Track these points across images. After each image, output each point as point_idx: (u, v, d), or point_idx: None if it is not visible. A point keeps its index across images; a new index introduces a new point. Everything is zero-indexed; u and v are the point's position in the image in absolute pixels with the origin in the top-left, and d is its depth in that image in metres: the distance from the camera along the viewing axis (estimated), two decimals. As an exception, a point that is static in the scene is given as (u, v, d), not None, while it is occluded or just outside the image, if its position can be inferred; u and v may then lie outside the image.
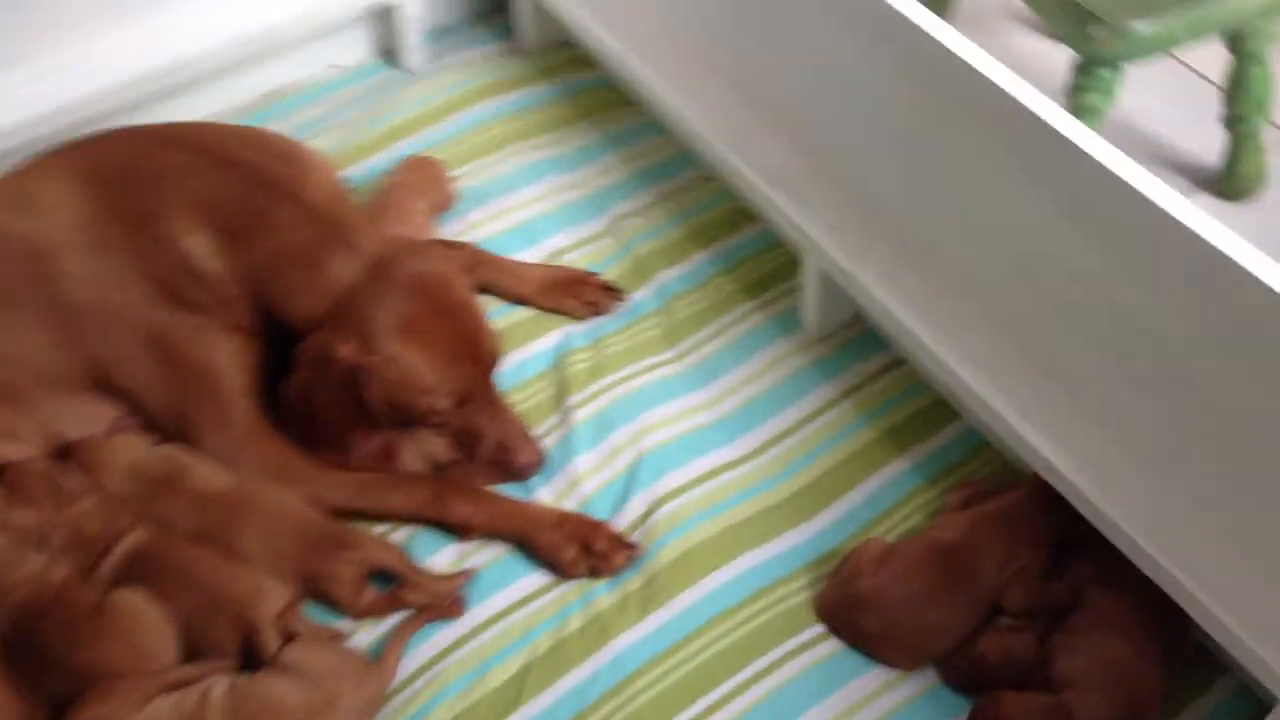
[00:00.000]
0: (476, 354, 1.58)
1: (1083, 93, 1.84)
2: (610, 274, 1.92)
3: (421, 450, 1.64)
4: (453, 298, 1.58)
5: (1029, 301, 1.49)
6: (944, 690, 1.50)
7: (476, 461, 1.65)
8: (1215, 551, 1.37)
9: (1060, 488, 1.48)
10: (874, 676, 1.51)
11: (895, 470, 1.70)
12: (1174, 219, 1.22)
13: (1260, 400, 1.24)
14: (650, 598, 1.56)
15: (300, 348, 1.54)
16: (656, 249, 1.96)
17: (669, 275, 1.92)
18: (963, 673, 1.50)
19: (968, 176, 1.49)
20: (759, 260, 1.94)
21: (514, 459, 1.65)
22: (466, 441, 1.63)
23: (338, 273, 1.53)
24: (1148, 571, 1.41)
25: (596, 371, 1.80)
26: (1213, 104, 2.07)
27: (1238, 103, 2.02)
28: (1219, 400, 1.29)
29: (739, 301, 1.89)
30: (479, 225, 1.96)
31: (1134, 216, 1.27)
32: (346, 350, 1.50)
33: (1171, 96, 2.27)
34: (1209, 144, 2.12)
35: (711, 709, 1.47)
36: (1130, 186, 1.25)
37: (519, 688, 1.49)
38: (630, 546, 1.60)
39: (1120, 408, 1.43)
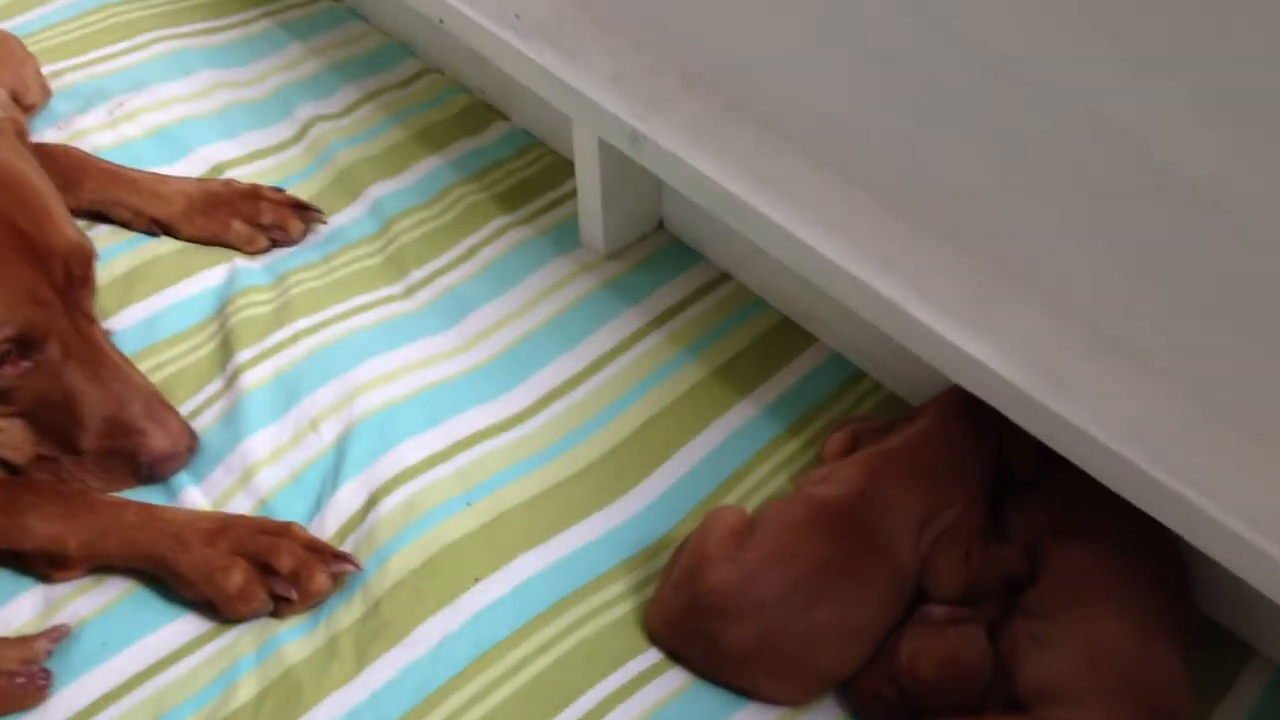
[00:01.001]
0: (44, 260, 0.95)
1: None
2: (301, 192, 1.32)
3: (-25, 438, 0.99)
4: (3, 173, 0.95)
5: (917, 133, 0.99)
6: (858, 731, 0.95)
7: (80, 453, 1.01)
8: (1230, 447, 0.88)
9: (990, 395, 0.96)
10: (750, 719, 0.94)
11: (738, 418, 1.15)
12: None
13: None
14: (374, 637, 0.95)
15: None
16: (368, 157, 1.38)
17: (387, 189, 1.34)
18: (885, 700, 0.94)
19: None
20: (513, 165, 1.39)
21: (141, 444, 1.02)
22: (54, 419, 0.99)
23: None
24: (1133, 496, 0.90)
25: (281, 317, 1.19)
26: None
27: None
28: (1235, 224, 0.81)
29: (490, 216, 1.32)
30: (94, 132, 1.33)
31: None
32: None
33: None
34: None
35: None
36: None
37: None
38: (340, 559, 0.98)
39: (1070, 263, 0.94)
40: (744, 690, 0.95)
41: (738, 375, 1.19)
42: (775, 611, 0.93)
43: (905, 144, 1.00)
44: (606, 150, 1.21)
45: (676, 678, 0.95)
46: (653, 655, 0.97)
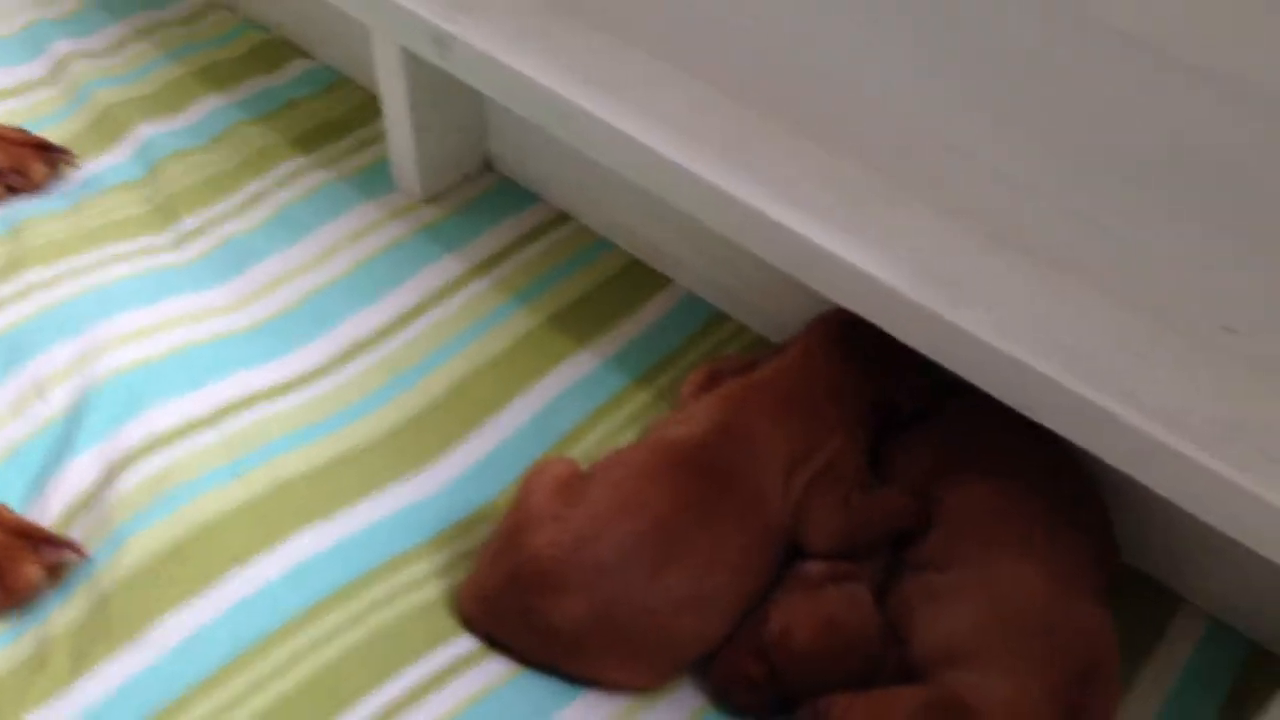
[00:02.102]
0: None
1: None
2: (54, 135, 1.11)
3: None
4: None
5: (789, 23, 0.83)
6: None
7: None
8: (1152, 344, 0.73)
9: (871, 309, 0.80)
10: (586, 712, 0.74)
11: (576, 370, 0.97)
12: None
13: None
14: (97, 639, 0.73)
15: None
16: (136, 96, 1.17)
17: (158, 130, 1.14)
18: (751, 679, 0.76)
19: None
20: (314, 104, 1.19)
21: None
22: None
23: None
24: (1045, 415, 0.74)
25: (8, 268, 0.97)
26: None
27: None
28: (1150, 80, 0.66)
29: (282, 159, 1.13)
30: None
31: None
32: None
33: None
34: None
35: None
36: None
37: None
38: (56, 545, 0.77)
39: (955, 149, 0.78)
40: (580, 676, 0.75)
41: (576, 323, 1.01)
42: (614, 578, 0.74)
43: (754, 26, 0.84)
44: (414, 66, 1.03)
45: (496, 668, 0.76)
46: (466, 643, 0.77)
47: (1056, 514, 0.80)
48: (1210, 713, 0.79)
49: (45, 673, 0.71)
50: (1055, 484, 0.81)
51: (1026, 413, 0.74)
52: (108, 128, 1.13)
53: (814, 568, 0.79)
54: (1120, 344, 0.73)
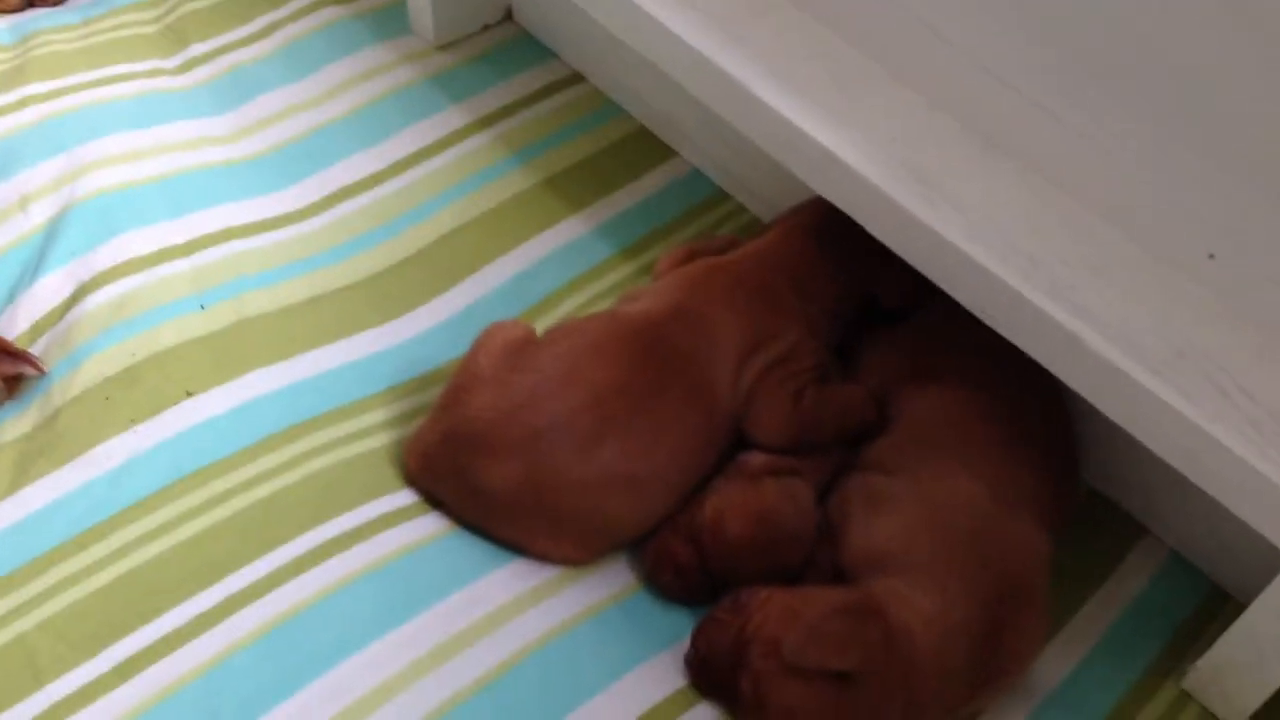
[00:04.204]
0: None
1: None
2: (76, -52, 1.10)
3: None
4: None
5: None
6: (649, 601, 0.76)
7: None
8: (1128, 267, 0.69)
9: (844, 198, 0.76)
10: (511, 579, 0.75)
11: (564, 234, 0.95)
12: None
13: None
14: (43, 452, 0.75)
15: None
16: (155, -87, 1.15)
17: (180, -48, 1.12)
18: (680, 563, 0.76)
19: None
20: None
21: None
22: None
23: None
24: (1006, 326, 0.71)
25: (11, 79, 0.98)
26: None
27: None
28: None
29: (296, -9, 1.11)
30: None
31: None
32: None
33: None
34: None
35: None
36: None
37: None
38: (17, 358, 0.78)
39: (948, 40, 0.74)
40: (510, 542, 0.76)
41: (573, 187, 0.99)
42: (550, 446, 0.73)
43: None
44: (435, -93, 1.00)
45: (429, 523, 0.77)
46: (404, 497, 0.78)
47: (1015, 431, 0.77)
48: (1154, 645, 0.77)
49: (-15, 479, 0.74)
50: (1021, 401, 0.78)
51: (990, 323, 0.72)
52: (130, -55, 1.12)
53: (755, 459, 0.78)
54: (1092, 263, 0.70)
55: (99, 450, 0.75)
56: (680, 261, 0.88)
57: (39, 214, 0.88)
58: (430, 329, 0.88)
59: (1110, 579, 0.80)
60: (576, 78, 1.08)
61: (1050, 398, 0.79)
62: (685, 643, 0.72)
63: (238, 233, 0.90)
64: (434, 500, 0.78)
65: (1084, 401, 0.69)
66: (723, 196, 1.00)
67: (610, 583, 0.76)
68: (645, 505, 0.76)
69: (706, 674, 0.71)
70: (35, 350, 0.80)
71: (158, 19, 1.06)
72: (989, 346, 0.76)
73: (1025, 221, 0.71)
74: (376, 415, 0.82)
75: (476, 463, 0.74)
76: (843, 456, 0.80)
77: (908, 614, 0.69)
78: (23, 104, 0.95)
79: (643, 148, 1.03)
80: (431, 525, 0.77)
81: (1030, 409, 0.79)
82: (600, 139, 1.03)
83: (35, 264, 0.85)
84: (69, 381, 0.78)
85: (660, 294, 0.80)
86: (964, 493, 0.74)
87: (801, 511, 0.76)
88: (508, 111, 1.04)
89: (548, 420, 0.74)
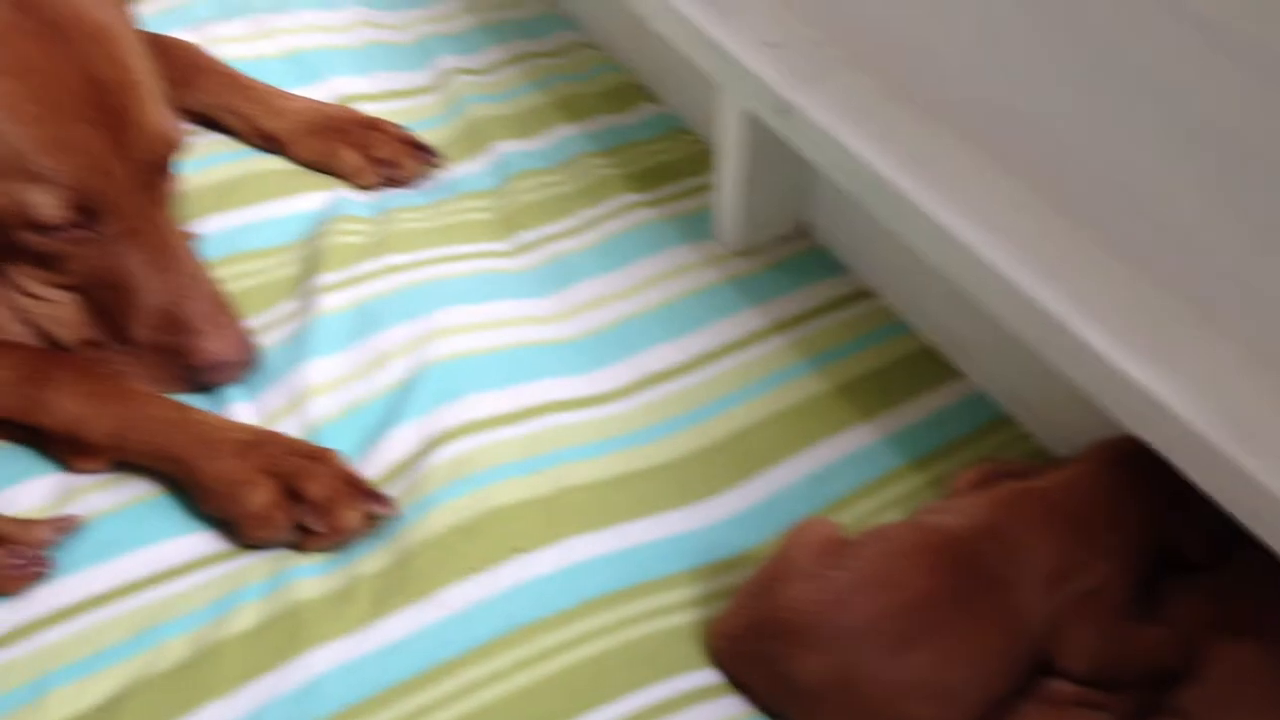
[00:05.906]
0: (119, 129, 0.87)
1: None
2: (428, 138, 1.24)
3: (19, 305, 0.91)
4: (87, 22, 0.87)
5: (1106, 134, 0.85)
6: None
7: (131, 343, 0.93)
8: None
9: (1159, 438, 0.80)
10: (808, 771, 0.78)
11: (853, 441, 1.01)
12: None
13: None
14: (396, 590, 0.83)
15: None
16: (502, 115, 1.29)
17: (515, 149, 1.25)
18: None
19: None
20: (653, 147, 1.28)
21: (196, 345, 0.93)
22: (108, 301, 0.91)
23: None
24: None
25: (374, 248, 1.10)
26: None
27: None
28: None
29: (617, 192, 1.22)
30: (228, 42, 1.28)
31: None
32: None
33: None
34: None
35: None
36: None
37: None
38: (376, 499, 0.87)
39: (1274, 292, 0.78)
40: (808, 734, 0.79)
41: (862, 397, 1.05)
42: (860, 645, 0.77)
43: (1091, 147, 0.86)
44: (752, 127, 1.10)
45: (732, 705, 0.80)
46: (709, 675, 0.82)
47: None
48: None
49: (350, 607, 0.81)
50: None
51: (1313, 581, 0.73)
52: (473, 139, 1.25)
53: (1065, 688, 0.80)
54: None
55: (444, 594, 0.82)
56: (978, 480, 0.92)
57: (395, 371, 0.98)
58: (729, 517, 0.93)
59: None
60: (865, 293, 1.15)
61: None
62: None
63: (557, 407, 0.99)
64: (737, 682, 0.82)
65: None
66: (1006, 421, 1.04)
67: (904, 787, 0.78)
68: (946, 716, 0.78)
69: None
70: (392, 486, 0.89)
71: (494, 206, 1.18)
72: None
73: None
74: (682, 592, 0.87)
75: (787, 652, 0.78)
76: (1143, 698, 0.81)
77: None
78: (383, 272, 1.07)
79: (927, 366, 1.08)
80: (734, 707, 0.81)
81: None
82: (886, 354, 1.09)
83: (390, 416, 0.94)
84: (418, 526, 0.86)
85: (972, 511, 0.84)
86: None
87: (1104, 747, 0.77)
88: (801, 319, 1.11)
89: (862, 619, 0.78)
